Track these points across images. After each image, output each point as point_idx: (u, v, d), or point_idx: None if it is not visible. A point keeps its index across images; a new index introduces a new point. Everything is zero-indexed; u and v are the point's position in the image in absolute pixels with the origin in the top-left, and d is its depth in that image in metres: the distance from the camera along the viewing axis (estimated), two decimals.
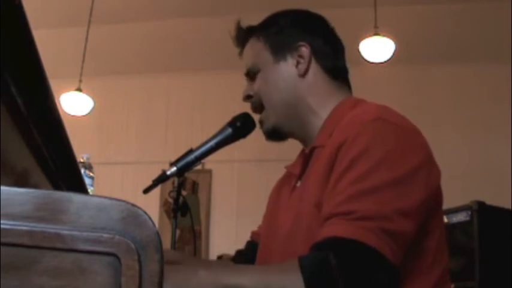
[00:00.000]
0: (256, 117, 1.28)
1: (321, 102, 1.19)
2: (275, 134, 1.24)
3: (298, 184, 1.18)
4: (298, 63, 1.20)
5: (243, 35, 1.28)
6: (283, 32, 1.22)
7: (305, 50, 1.19)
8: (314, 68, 1.20)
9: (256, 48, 1.24)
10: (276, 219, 1.20)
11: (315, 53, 1.20)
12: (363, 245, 0.90)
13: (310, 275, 0.88)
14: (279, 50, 1.21)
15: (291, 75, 1.20)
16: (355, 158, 0.97)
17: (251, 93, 1.25)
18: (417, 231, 0.98)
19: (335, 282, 0.88)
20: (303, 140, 1.23)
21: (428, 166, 1.02)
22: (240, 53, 1.29)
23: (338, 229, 0.92)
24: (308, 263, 0.90)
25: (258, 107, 1.25)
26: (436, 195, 1.05)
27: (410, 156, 1.00)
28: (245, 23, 1.29)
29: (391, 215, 0.93)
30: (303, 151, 1.23)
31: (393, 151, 0.99)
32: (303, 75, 1.19)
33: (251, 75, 1.25)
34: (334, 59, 1.23)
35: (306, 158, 1.17)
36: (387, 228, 0.92)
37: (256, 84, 1.23)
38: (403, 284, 0.99)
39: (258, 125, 1.28)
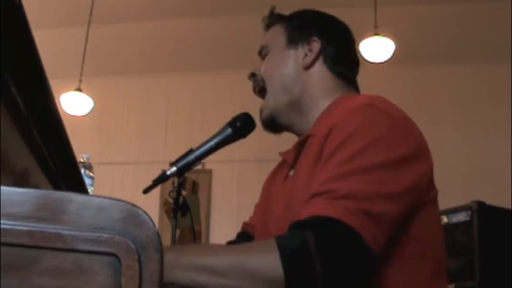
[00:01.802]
0: (256, 116, 1.29)
1: (321, 97, 1.21)
2: (272, 124, 1.26)
3: (291, 173, 1.18)
4: (305, 55, 1.23)
5: (272, 19, 1.32)
6: (304, 25, 1.27)
7: (316, 45, 1.23)
8: (320, 65, 1.23)
9: (276, 32, 1.29)
10: (269, 209, 1.20)
11: (324, 52, 1.23)
12: (340, 224, 0.89)
13: (287, 254, 0.87)
14: (294, 39, 1.25)
15: (295, 64, 1.23)
16: (343, 141, 0.98)
17: (256, 72, 1.28)
18: (402, 218, 0.97)
19: (312, 261, 0.87)
20: (300, 134, 1.23)
21: (416, 157, 1.02)
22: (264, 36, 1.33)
23: (318, 208, 0.92)
24: (285, 242, 0.89)
25: (258, 87, 1.27)
26: (425, 187, 1.04)
27: (398, 144, 1.00)
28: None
29: (373, 197, 0.92)
30: (298, 140, 1.24)
31: (382, 137, 0.99)
32: (307, 68, 1.22)
33: (262, 54, 1.29)
34: (342, 66, 1.24)
35: (299, 146, 1.17)
36: (368, 209, 0.91)
37: (263, 65, 1.27)
38: (393, 273, 0.98)
39: (257, 124, 1.29)
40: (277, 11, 1.34)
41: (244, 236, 1.31)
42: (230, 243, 1.36)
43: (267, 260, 0.88)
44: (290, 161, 1.19)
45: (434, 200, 1.08)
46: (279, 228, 1.10)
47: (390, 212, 0.94)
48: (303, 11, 1.32)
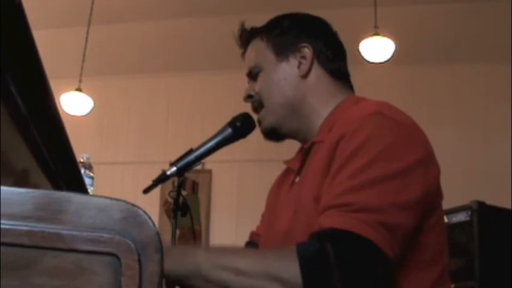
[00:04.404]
0: (256, 117, 1.28)
1: (323, 102, 1.20)
2: (273, 134, 1.25)
3: (297, 180, 1.18)
4: (300, 64, 1.20)
5: (247, 36, 1.29)
6: (286, 33, 1.24)
7: (307, 51, 1.20)
8: (316, 69, 1.21)
9: (259, 49, 1.25)
10: (275, 216, 1.20)
11: (317, 54, 1.21)
12: (359, 237, 0.90)
13: (306, 262, 0.89)
14: (282, 51, 1.22)
15: (293, 75, 1.21)
16: (353, 152, 0.98)
17: (252, 93, 1.25)
18: (415, 226, 0.98)
19: (331, 272, 0.88)
20: (304, 140, 1.23)
21: (427, 163, 1.02)
22: (243, 54, 1.30)
23: (335, 220, 0.93)
24: (306, 251, 0.91)
25: (259, 107, 1.25)
26: (434, 193, 1.04)
27: (408, 151, 1.00)
28: (247, 24, 1.30)
29: (388, 208, 0.93)
30: (302, 147, 1.24)
31: (391, 145, 0.99)
32: (305, 76, 1.20)
33: (253, 75, 1.25)
34: (335, 61, 1.23)
35: (304, 153, 1.17)
36: (383, 221, 0.92)
37: (257, 84, 1.24)
38: (401, 279, 0.99)
39: (257, 124, 1.28)
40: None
41: (251, 246, 1.32)
42: None
43: (288, 268, 0.90)
44: (296, 168, 1.19)
45: (440, 205, 1.09)
46: (286, 234, 1.10)
47: (404, 222, 0.95)
48: (277, 18, 1.29)
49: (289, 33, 1.23)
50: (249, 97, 1.26)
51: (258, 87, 1.23)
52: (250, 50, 1.27)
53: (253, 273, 0.91)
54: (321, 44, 1.22)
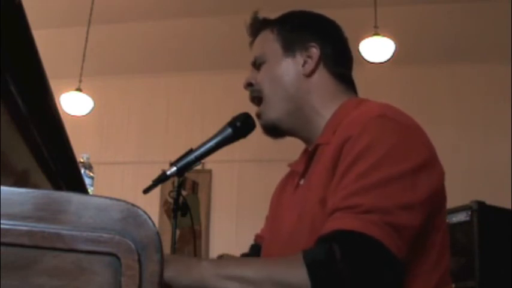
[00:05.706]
0: (254, 113, 1.28)
1: (325, 103, 1.19)
2: (273, 130, 1.24)
3: (302, 182, 1.18)
4: (305, 62, 1.20)
5: (258, 25, 1.29)
6: (298, 30, 1.24)
7: (315, 51, 1.20)
8: (321, 70, 1.21)
9: (267, 40, 1.25)
10: (279, 218, 1.20)
11: (324, 56, 1.21)
12: (367, 237, 0.90)
13: (314, 267, 0.89)
14: (290, 46, 1.22)
15: (296, 72, 1.20)
16: (359, 154, 0.98)
17: (252, 81, 1.25)
18: (421, 227, 0.98)
19: (339, 274, 0.88)
20: (306, 140, 1.23)
21: (431, 164, 1.03)
22: (251, 43, 1.30)
23: (343, 222, 0.93)
24: (312, 255, 0.91)
25: (257, 97, 1.25)
26: (439, 194, 1.05)
27: (413, 153, 1.01)
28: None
29: (395, 209, 0.94)
30: (306, 149, 1.23)
31: (396, 147, 1.00)
32: (309, 75, 1.20)
33: (257, 64, 1.25)
34: (342, 66, 1.24)
35: (309, 156, 1.17)
36: (391, 222, 0.92)
37: (260, 74, 1.24)
38: (405, 282, 0.99)
39: (257, 124, 1.28)
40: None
41: (256, 248, 1.32)
42: (243, 255, 1.36)
43: (296, 273, 0.90)
44: (300, 171, 1.19)
45: (444, 206, 1.10)
46: (290, 236, 1.10)
47: (411, 223, 0.96)
48: (291, 13, 1.29)
49: (301, 30, 1.23)
50: (248, 85, 1.26)
51: (259, 78, 1.23)
52: (259, 39, 1.27)
53: (259, 281, 0.90)
54: (329, 47, 1.22)
